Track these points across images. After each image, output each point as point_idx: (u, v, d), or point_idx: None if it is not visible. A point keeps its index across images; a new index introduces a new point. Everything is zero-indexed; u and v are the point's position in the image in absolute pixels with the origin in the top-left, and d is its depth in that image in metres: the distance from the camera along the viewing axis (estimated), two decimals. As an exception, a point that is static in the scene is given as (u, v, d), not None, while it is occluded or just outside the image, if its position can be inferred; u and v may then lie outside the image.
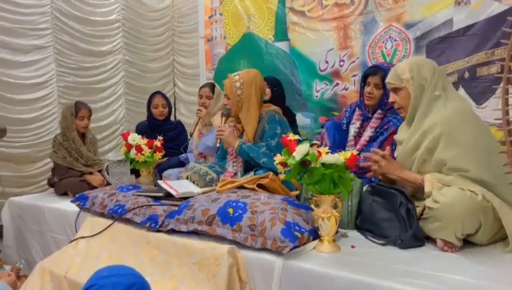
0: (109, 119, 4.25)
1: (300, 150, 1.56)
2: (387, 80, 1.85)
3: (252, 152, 2.21)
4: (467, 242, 1.54)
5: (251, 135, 2.34)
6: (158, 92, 3.33)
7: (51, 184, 2.90)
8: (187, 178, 2.40)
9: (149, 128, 3.17)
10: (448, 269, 1.35)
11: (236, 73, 2.40)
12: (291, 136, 1.64)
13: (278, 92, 3.07)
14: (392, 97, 1.82)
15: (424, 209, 1.61)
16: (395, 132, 2.13)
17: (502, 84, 1.28)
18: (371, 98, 2.30)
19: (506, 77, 1.21)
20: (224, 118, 2.46)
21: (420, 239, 1.58)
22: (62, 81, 3.82)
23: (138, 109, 4.43)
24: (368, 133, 2.30)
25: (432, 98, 1.70)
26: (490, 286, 1.24)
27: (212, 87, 3.09)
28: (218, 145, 2.44)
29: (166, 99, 3.32)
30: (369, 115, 2.33)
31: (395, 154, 1.88)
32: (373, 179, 2.05)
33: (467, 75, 2.98)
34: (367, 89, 2.30)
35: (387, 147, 1.86)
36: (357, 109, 2.44)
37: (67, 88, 3.86)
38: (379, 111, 2.29)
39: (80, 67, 3.95)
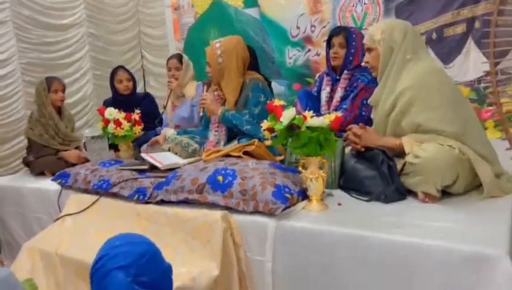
0: (78, 96, 4.11)
1: (287, 115, 1.59)
2: (363, 40, 1.90)
3: (235, 120, 2.23)
4: (445, 193, 1.65)
5: (232, 103, 2.35)
6: (120, 67, 3.25)
7: (26, 163, 2.83)
8: (169, 150, 2.39)
9: (115, 104, 3.01)
10: (431, 218, 1.46)
11: (218, 40, 2.37)
12: (277, 102, 1.66)
13: (250, 61, 3.04)
14: (366, 57, 1.89)
15: (404, 165, 1.70)
16: (364, 88, 2.24)
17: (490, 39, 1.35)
18: (336, 58, 2.39)
19: (493, 30, 1.28)
20: (206, 86, 2.44)
21: (402, 193, 1.67)
22: (24, 57, 3.64)
23: (106, 84, 4.25)
24: (338, 94, 2.40)
25: (403, 61, 1.76)
26: (470, 229, 1.35)
27: (179, 58, 3.06)
28: (201, 114, 2.43)
29: (130, 73, 3.24)
30: (337, 77, 2.42)
31: (372, 115, 1.95)
32: None
33: (434, 36, 3.07)
34: (332, 50, 2.39)
35: (361, 124, 1.91)
36: (325, 76, 2.53)
37: (31, 64, 3.69)
38: (346, 71, 2.38)
39: (43, 42, 3.77)
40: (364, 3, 3.33)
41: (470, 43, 2.96)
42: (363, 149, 1.80)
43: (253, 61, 3.01)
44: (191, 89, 2.89)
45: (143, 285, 0.99)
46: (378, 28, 1.82)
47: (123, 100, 3.11)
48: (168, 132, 2.63)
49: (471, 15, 2.93)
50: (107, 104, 3.11)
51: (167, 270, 1.10)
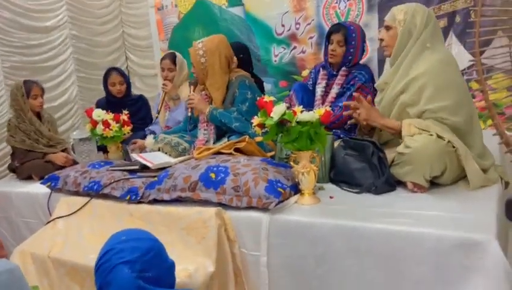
0: (62, 99, 4.05)
1: (278, 111, 1.61)
2: (385, 17, 1.90)
3: (224, 118, 2.24)
4: (433, 184, 1.69)
5: (219, 102, 2.35)
6: (114, 68, 3.19)
7: (12, 169, 2.79)
8: (159, 150, 2.39)
9: (108, 105, 2.99)
10: (420, 207, 1.50)
11: (200, 40, 2.37)
12: (267, 98, 1.68)
13: (244, 58, 2.99)
14: (382, 34, 1.89)
15: (395, 156, 1.74)
16: (361, 87, 2.24)
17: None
18: (333, 55, 2.36)
19: (479, 20, 1.33)
20: (192, 87, 2.44)
21: (392, 184, 1.71)
22: (7, 61, 3.57)
23: (91, 86, 4.26)
24: (334, 90, 2.38)
25: (421, 48, 1.77)
26: (459, 216, 1.39)
27: (172, 58, 2.98)
28: (189, 114, 2.43)
29: (123, 75, 3.18)
30: (334, 73, 2.40)
31: (376, 99, 1.97)
32: (341, 135, 2.16)
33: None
34: (330, 46, 2.37)
35: (369, 97, 1.93)
36: (321, 69, 2.51)
37: (14, 68, 3.62)
38: (344, 68, 2.36)
39: (25, 46, 3.70)
40: (348, 0, 3.38)
41: (452, 37, 3.03)
42: (364, 122, 1.82)
43: (247, 58, 3.01)
44: (185, 90, 2.81)
45: (147, 280, 1.00)
46: (402, 9, 1.83)
47: (116, 102, 3.05)
48: (148, 141, 2.58)
49: (451, 9, 3.00)
50: (100, 104, 3.08)
51: (171, 266, 1.11)
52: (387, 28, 1.87)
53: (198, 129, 2.40)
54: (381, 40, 1.90)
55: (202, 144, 2.34)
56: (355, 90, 2.24)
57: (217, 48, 2.33)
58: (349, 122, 1.96)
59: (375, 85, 1.99)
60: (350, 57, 2.31)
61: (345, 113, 1.96)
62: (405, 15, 1.80)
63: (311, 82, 2.52)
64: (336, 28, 2.38)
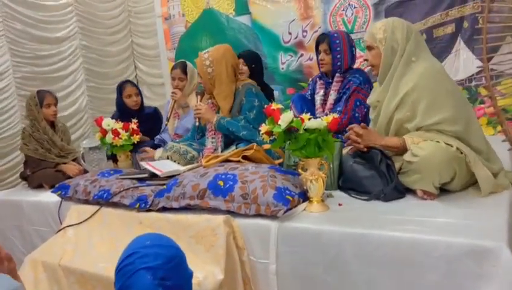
0: (73, 108, 4.12)
1: (285, 118, 1.62)
2: (364, 37, 1.91)
3: (231, 126, 2.25)
4: (443, 190, 1.68)
5: (226, 111, 2.37)
6: (127, 81, 3.21)
7: (24, 177, 2.82)
8: (168, 158, 2.40)
9: (123, 118, 2.83)
10: (430, 214, 1.48)
11: (206, 50, 2.39)
12: (275, 106, 1.69)
13: (256, 68, 3.00)
14: (366, 54, 1.89)
15: (402, 164, 1.73)
16: (356, 89, 2.27)
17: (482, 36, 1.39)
18: (323, 64, 2.45)
19: (485, 27, 1.33)
20: (199, 97, 2.46)
21: (401, 191, 1.70)
22: (18, 72, 3.65)
23: (101, 95, 4.33)
24: (332, 97, 2.45)
25: (407, 63, 1.76)
26: (469, 223, 1.38)
27: (183, 67, 3.01)
28: (197, 123, 2.45)
29: (137, 87, 3.21)
30: (330, 81, 2.47)
31: (371, 116, 1.97)
32: (342, 140, 2.16)
33: (424, 37, 3.13)
34: (319, 56, 2.45)
35: (362, 124, 1.91)
36: (317, 79, 2.57)
37: (25, 79, 3.70)
38: (337, 75, 2.43)
39: (36, 56, 3.78)
40: (354, 7, 3.40)
41: (460, 43, 3.02)
42: (365, 149, 1.81)
43: (259, 68, 3.03)
44: (195, 99, 2.77)
45: (167, 289, 0.99)
46: (380, 27, 1.81)
47: (132, 115, 2.94)
48: (157, 153, 2.60)
49: (459, 15, 3.00)
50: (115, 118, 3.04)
51: (190, 276, 1.10)
52: (369, 48, 1.86)
53: (206, 138, 2.42)
54: (366, 60, 1.89)
55: (210, 152, 2.35)
56: (351, 93, 2.29)
57: (223, 57, 2.35)
58: (350, 150, 1.93)
59: (367, 101, 1.98)
60: (339, 63, 2.38)
61: (346, 144, 1.95)
62: (384, 33, 1.78)
63: (309, 93, 2.60)
64: (321, 37, 2.48)
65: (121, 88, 3.11)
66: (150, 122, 2.77)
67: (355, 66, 2.52)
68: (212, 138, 2.41)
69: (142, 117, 3.00)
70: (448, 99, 1.69)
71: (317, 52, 2.49)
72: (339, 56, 2.39)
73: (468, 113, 1.73)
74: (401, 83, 1.76)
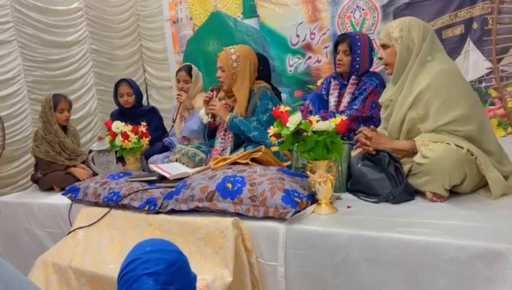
0: (82, 112, 4.16)
1: (294, 120, 1.62)
2: (380, 35, 1.90)
3: (243, 126, 2.26)
4: (452, 192, 1.67)
5: (244, 107, 2.38)
6: (123, 80, 3.28)
7: (35, 180, 2.86)
8: (176, 161, 2.42)
9: (120, 116, 3.15)
10: (440, 216, 1.47)
11: (231, 46, 2.44)
12: (283, 108, 1.69)
13: (263, 71, 3.03)
14: (381, 53, 1.89)
15: (411, 166, 1.72)
16: (373, 91, 2.24)
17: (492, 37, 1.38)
18: (340, 64, 2.41)
19: (495, 28, 1.32)
20: (215, 92, 2.48)
21: (411, 193, 1.69)
22: (30, 76, 3.70)
23: (110, 99, 4.30)
24: (345, 99, 2.41)
25: (422, 62, 1.76)
26: (480, 226, 1.37)
27: (188, 70, 3.07)
28: (209, 119, 2.45)
29: (132, 86, 3.25)
30: (345, 82, 2.43)
31: (383, 115, 1.96)
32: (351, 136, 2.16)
33: (434, 38, 3.11)
34: (337, 56, 2.41)
35: (372, 127, 1.91)
36: (332, 80, 2.54)
37: (37, 82, 3.74)
38: (353, 77, 2.39)
39: (47, 60, 3.83)
40: (363, 9, 3.38)
41: (469, 44, 2.99)
42: (374, 152, 1.80)
43: (267, 71, 3.05)
44: (200, 101, 2.86)
45: None
46: (397, 26, 1.81)
47: (127, 112, 3.18)
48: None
49: (468, 16, 2.97)
50: (114, 115, 3.22)
51: (193, 280, 1.11)
52: (384, 46, 1.85)
53: (216, 138, 2.43)
54: (380, 58, 1.89)
55: (218, 153, 2.37)
56: (367, 94, 2.26)
57: (248, 55, 2.42)
58: (360, 153, 1.92)
59: (379, 101, 1.97)
60: (357, 66, 2.34)
61: (355, 146, 1.95)
62: (401, 32, 1.78)
63: (324, 92, 2.55)
64: (342, 37, 2.43)
65: (116, 87, 3.25)
66: (145, 120, 2.83)
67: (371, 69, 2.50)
68: (222, 138, 2.43)
69: (138, 114, 3.15)
70: (462, 99, 1.68)
71: (335, 51, 2.45)
72: (358, 59, 2.36)
73: (481, 114, 1.73)
74: (415, 82, 1.75)
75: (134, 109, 3.23)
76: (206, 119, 2.53)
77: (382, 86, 2.32)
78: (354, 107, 2.29)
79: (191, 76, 3.05)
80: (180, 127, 3.02)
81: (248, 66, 2.39)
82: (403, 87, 1.79)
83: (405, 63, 1.79)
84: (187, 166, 2.36)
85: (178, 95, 2.99)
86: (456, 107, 1.66)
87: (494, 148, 1.69)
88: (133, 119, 2.89)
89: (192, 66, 3.11)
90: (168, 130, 3.30)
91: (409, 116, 1.76)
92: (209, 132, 2.52)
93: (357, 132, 1.86)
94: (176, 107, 3.02)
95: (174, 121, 3.00)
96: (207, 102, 2.48)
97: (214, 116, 2.44)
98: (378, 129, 1.95)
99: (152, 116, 3.29)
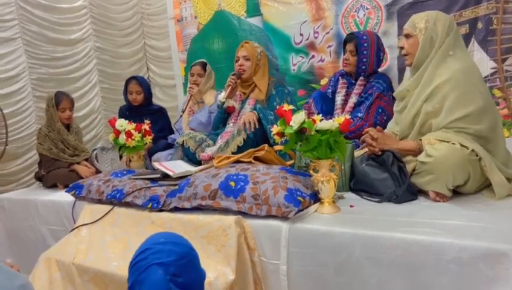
0: (86, 109, 4.17)
1: (297, 119, 1.62)
2: (405, 25, 1.90)
3: (262, 113, 2.39)
4: (455, 192, 1.67)
5: (265, 93, 2.57)
6: (133, 78, 3.29)
7: (39, 178, 2.87)
8: (183, 143, 2.48)
9: (128, 112, 3.22)
10: (443, 216, 1.47)
11: (253, 42, 2.66)
12: (286, 107, 1.69)
13: None
14: (402, 42, 1.88)
15: (415, 165, 1.72)
16: (379, 96, 2.23)
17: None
18: (347, 64, 2.40)
19: (500, 28, 1.31)
20: (235, 77, 2.59)
21: (414, 193, 1.69)
22: (34, 73, 3.70)
23: (114, 96, 4.37)
24: (352, 100, 2.39)
25: (444, 55, 1.76)
26: (482, 226, 1.37)
27: (203, 65, 3.13)
28: (225, 97, 2.57)
29: (142, 84, 3.26)
30: (353, 81, 2.41)
31: (396, 108, 1.95)
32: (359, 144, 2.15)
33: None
34: (344, 56, 2.40)
35: (378, 127, 1.90)
36: (340, 78, 2.52)
37: (41, 80, 3.75)
38: (361, 78, 2.37)
39: (52, 58, 3.83)
40: (367, 9, 3.37)
41: (474, 44, 2.98)
42: (380, 152, 1.80)
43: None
44: (210, 97, 3.00)
45: (178, 285, 1.02)
46: (423, 17, 1.81)
47: (136, 109, 3.22)
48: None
49: (473, 16, 2.96)
50: (122, 111, 3.30)
51: (202, 276, 1.12)
52: (407, 36, 1.85)
53: (227, 124, 2.59)
54: (401, 48, 1.88)
55: (228, 137, 2.39)
56: (373, 99, 2.24)
57: (265, 53, 2.72)
58: (366, 153, 1.92)
59: (394, 94, 1.97)
60: (363, 67, 2.32)
61: (360, 147, 1.95)
62: (426, 23, 1.78)
63: (330, 90, 2.54)
64: (349, 37, 2.42)
65: (126, 84, 3.27)
66: (153, 119, 2.88)
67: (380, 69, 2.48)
68: (233, 123, 2.52)
69: (146, 112, 3.17)
70: (477, 97, 1.68)
71: (344, 50, 2.46)
72: (364, 60, 2.35)
73: (494, 115, 1.73)
74: (435, 75, 1.75)
75: (142, 107, 3.25)
76: (222, 99, 2.62)
77: (389, 89, 2.31)
78: (359, 114, 2.27)
79: (205, 71, 3.11)
80: (188, 120, 3.04)
81: (267, 62, 2.70)
82: (422, 79, 1.79)
83: (426, 55, 1.79)
84: (193, 149, 2.45)
85: (190, 88, 3.06)
86: (470, 104, 1.66)
87: (501, 150, 1.69)
88: (140, 116, 2.93)
89: (207, 63, 3.19)
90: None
91: (424, 110, 1.76)
92: (223, 119, 2.66)
93: (363, 132, 1.86)
94: (187, 100, 3.07)
95: (183, 112, 3.03)
96: (231, 86, 2.60)
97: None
98: (390, 122, 1.94)
99: (160, 116, 3.31)
